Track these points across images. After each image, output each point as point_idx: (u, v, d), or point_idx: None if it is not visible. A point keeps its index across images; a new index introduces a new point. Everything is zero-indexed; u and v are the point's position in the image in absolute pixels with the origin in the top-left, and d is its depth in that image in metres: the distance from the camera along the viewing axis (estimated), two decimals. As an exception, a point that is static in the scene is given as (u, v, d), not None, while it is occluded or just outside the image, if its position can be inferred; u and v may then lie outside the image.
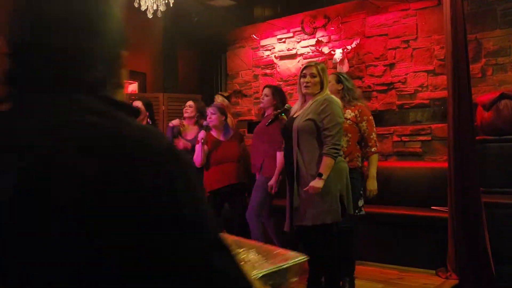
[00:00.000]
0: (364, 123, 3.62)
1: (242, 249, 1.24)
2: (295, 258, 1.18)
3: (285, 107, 3.61)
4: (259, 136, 4.15)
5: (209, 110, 4.29)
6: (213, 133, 4.29)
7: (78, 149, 0.63)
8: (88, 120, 0.66)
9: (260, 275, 1.01)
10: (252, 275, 0.88)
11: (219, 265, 0.65)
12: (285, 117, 3.48)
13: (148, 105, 4.53)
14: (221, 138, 4.28)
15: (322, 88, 3.11)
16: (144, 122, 4.48)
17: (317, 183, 2.90)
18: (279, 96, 4.13)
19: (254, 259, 1.20)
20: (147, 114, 4.50)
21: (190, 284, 0.63)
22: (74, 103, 0.68)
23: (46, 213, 0.61)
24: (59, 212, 0.61)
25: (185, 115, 4.58)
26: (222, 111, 4.31)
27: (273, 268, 1.10)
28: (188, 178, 0.67)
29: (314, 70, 3.11)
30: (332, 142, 2.93)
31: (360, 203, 3.51)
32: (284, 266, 1.15)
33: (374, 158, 3.68)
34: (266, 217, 4.12)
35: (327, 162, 2.92)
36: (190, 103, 4.61)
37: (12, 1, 0.78)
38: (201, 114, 4.55)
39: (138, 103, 4.50)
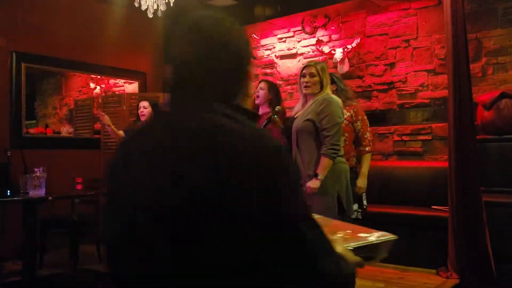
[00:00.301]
0: (359, 123, 3.65)
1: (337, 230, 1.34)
2: (385, 236, 1.33)
3: (276, 109, 3.58)
4: None
5: None
6: None
7: (208, 145, 0.86)
8: (222, 122, 0.89)
9: (352, 247, 1.12)
10: (345, 246, 1.08)
11: (313, 239, 0.88)
12: (277, 119, 3.47)
13: (154, 106, 4.57)
14: None
15: (322, 88, 3.10)
16: None
17: (313, 183, 2.90)
18: (274, 91, 4.08)
19: (344, 235, 1.30)
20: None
21: (293, 252, 0.86)
22: (214, 109, 0.92)
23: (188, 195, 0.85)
24: (197, 195, 0.84)
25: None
26: None
27: (364, 243, 1.22)
28: (289, 173, 0.89)
29: (313, 70, 3.11)
30: (331, 143, 2.92)
31: (355, 207, 3.51)
32: (374, 242, 1.28)
33: (367, 157, 3.73)
34: None
35: (324, 162, 2.91)
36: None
37: (184, 27, 1.02)
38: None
39: (145, 103, 4.53)
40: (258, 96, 4.10)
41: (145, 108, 4.52)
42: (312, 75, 3.11)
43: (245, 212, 0.83)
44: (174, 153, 0.88)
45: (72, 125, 5.97)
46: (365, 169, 3.71)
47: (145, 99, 4.72)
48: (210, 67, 0.95)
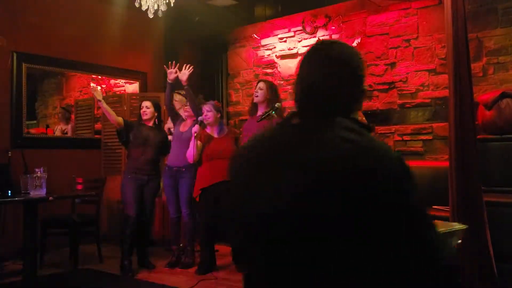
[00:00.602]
0: None
1: None
2: (459, 225, 1.57)
3: (276, 105, 3.57)
4: (250, 133, 4.13)
5: (205, 108, 4.31)
6: (207, 129, 4.30)
7: (340, 155, 1.01)
8: (346, 136, 1.03)
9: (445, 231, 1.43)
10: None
11: (433, 238, 1.04)
12: (275, 115, 3.45)
13: (157, 106, 4.57)
14: (215, 134, 4.30)
15: None
16: (152, 123, 4.50)
17: None
18: (273, 91, 4.11)
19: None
20: (156, 114, 4.53)
21: (418, 250, 1.00)
22: (337, 124, 1.06)
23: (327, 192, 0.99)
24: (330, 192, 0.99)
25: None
26: (217, 108, 4.35)
27: (448, 229, 1.45)
28: (411, 178, 1.04)
29: None
30: None
31: None
32: (453, 229, 1.52)
33: None
34: None
35: None
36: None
37: (310, 54, 1.19)
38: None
39: (147, 103, 4.52)
40: (257, 96, 4.14)
41: (147, 108, 4.50)
42: None
43: (381, 209, 0.97)
44: (314, 158, 1.03)
45: (65, 122, 5.92)
46: None
47: (146, 99, 4.71)
48: (334, 87, 1.13)
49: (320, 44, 1.25)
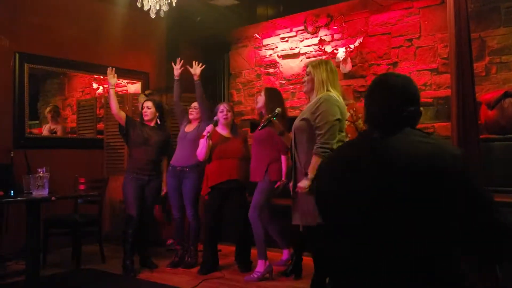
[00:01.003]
0: (360, 121, 3.62)
1: None
2: None
3: (276, 111, 3.58)
4: (260, 141, 4.15)
5: (225, 107, 4.34)
6: (220, 129, 4.32)
7: (425, 154, 1.38)
8: (423, 139, 1.44)
9: None
10: None
11: (500, 220, 1.35)
12: (277, 121, 3.46)
13: (158, 106, 4.57)
14: (227, 135, 4.32)
15: (314, 85, 3.02)
16: (153, 123, 4.50)
17: (303, 183, 2.86)
18: (273, 98, 4.15)
19: None
20: (157, 114, 4.53)
21: (486, 232, 1.35)
22: (410, 132, 1.47)
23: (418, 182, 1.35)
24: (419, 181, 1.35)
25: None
26: (232, 109, 4.43)
27: None
28: (474, 170, 1.68)
29: (307, 69, 3.09)
30: (321, 141, 2.85)
31: None
32: None
33: None
34: (267, 220, 4.12)
35: (314, 161, 2.85)
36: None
37: (381, 83, 1.60)
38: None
39: (148, 104, 4.52)
40: (258, 102, 4.21)
41: (148, 108, 4.50)
42: (306, 74, 3.09)
43: (459, 196, 1.33)
44: (404, 155, 1.39)
45: (54, 122, 5.85)
46: None
47: (148, 99, 4.71)
48: (403, 107, 1.50)
49: (384, 75, 1.69)
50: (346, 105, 3.64)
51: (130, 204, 4.33)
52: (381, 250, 1.37)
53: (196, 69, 4.54)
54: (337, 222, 1.51)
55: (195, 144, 4.36)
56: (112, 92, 4.40)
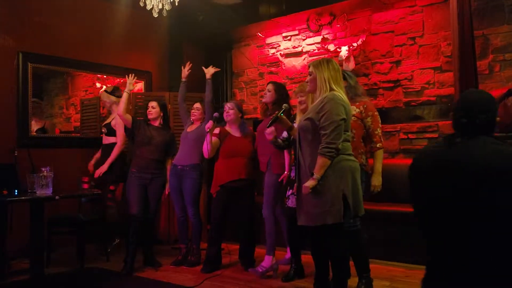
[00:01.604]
0: (369, 119, 3.58)
1: None
2: None
3: (283, 107, 3.57)
4: (260, 135, 4.15)
5: (227, 105, 4.34)
6: (228, 127, 4.32)
7: (502, 158, 1.63)
8: (500, 147, 1.67)
9: None
10: None
11: None
12: (284, 116, 3.46)
13: (163, 106, 4.60)
14: (236, 133, 4.32)
15: (316, 85, 3.00)
16: (158, 123, 4.51)
17: (309, 183, 2.84)
18: (280, 92, 4.14)
19: None
20: (161, 114, 4.54)
21: None
22: (488, 140, 1.71)
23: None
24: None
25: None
26: (239, 108, 4.38)
27: None
28: None
29: (310, 69, 3.07)
30: (327, 141, 2.82)
31: None
32: None
33: (379, 154, 3.64)
34: (280, 213, 4.14)
35: (320, 161, 2.83)
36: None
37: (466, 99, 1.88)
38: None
39: (153, 103, 4.54)
40: (264, 97, 4.17)
41: (153, 108, 4.52)
42: (309, 73, 3.08)
43: None
44: (488, 159, 1.64)
45: (38, 118, 5.74)
46: (378, 166, 3.62)
47: (151, 99, 4.72)
48: (476, 115, 1.76)
49: (466, 91, 2.05)
50: (360, 102, 3.63)
51: (132, 203, 4.35)
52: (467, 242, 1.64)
53: (210, 70, 4.64)
54: (433, 218, 1.78)
55: (196, 144, 4.38)
56: (126, 96, 4.42)
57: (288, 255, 4.39)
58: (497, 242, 1.59)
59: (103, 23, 5.81)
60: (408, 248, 4.26)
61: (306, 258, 3.93)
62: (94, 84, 6.41)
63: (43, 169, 3.88)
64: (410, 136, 5.19)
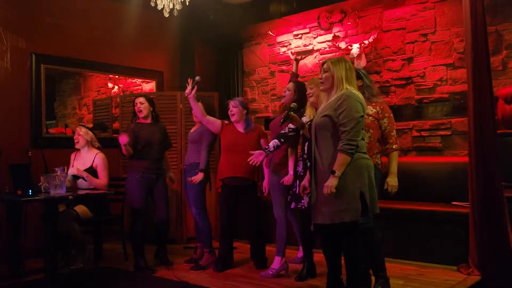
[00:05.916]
0: (385, 120, 3.56)
1: None
2: None
3: (291, 106, 3.55)
4: (275, 131, 4.15)
5: (231, 103, 4.33)
6: (234, 125, 4.34)
7: None
8: None
9: None
10: None
11: None
12: (295, 115, 3.45)
13: (150, 101, 4.55)
14: (241, 130, 4.32)
15: (334, 82, 3.00)
16: (149, 119, 4.49)
17: (330, 181, 2.82)
18: (300, 92, 4.08)
19: None
20: (151, 109, 4.51)
21: None
22: None
23: None
24: None
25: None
26: (244, 105, 4.37)
27: None
28: None
29: (325, 65, 3.06)
30: (347, 138, 2.82)
31: None
32: None
33: (395, 155, 3.63)
34: (290, 214, 4.12)
35: (341, 158, 2.83)
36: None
37: None
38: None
39: (141, 99, 4.51)
40: (284, 96, 4.14)
41: (141, 103, 4.43)
42: (324, 71, 3.06)
43: None
44: None
45: None
46: (394, 167, 3.61)
47: (163, 98, 4.70)
48: None
49: None
50: (376, 103, 3.61)
51: (136, 199, 4.33)
52: None
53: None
54: None
55: (196, 144, 4.42)
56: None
57: (300, 254, 4.38)
58: None
59: (115, 24, 5.85)
60: (422, 247, 4.23)
61: (317, 257, 3.92)
62: (106, 84, 6.45)
63: (57, 169, 3.91)
64: (423, 133, 5.15)
